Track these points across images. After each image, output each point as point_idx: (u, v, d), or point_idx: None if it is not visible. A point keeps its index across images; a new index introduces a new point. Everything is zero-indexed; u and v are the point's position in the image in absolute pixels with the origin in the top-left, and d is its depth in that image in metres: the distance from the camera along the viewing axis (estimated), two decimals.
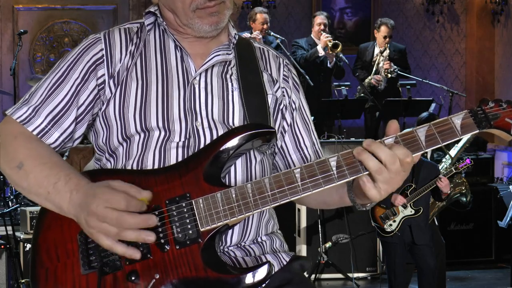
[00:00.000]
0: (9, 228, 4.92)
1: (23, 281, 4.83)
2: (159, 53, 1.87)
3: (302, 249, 6.33)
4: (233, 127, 1.81)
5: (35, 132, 1.79)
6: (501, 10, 9.66)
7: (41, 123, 1.80)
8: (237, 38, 1.93)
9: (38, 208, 5.12)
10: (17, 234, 5.06)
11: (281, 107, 1.93)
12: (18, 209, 5.54)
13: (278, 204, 1.65)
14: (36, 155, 1.74)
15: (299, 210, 6.39)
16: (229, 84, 1.87)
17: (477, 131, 1.64)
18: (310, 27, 8.43)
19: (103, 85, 1.83)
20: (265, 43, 7.62)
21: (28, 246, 5.13)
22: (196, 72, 1.85)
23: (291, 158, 1.96)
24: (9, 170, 1.76)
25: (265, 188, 1.65)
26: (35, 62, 9.12)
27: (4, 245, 4.96)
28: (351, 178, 1.63)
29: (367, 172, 1.61)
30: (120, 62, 1.83)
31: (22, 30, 7.45)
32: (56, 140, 1.81)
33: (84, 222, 1.62)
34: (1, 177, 6.14)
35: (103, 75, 1.82)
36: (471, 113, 1.64)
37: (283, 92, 1.95)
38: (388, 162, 1.57)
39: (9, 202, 6.11)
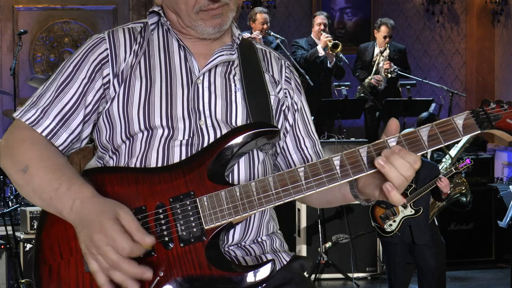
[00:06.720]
0: (9, 228, 4.92)
1: (23, 281, 4.83)
2: (163, 52, 1.87)
3: (302, 249, 6.33)
4: (236, 126, 1.81)
5: (44, 133, 1.78)
6: (501, 10, 9.67)
7: (50, 123, 1.79)
8: (240, 39, 1.94)
9: (38, 208, 5.12)
10: (17, 234, 5.06)
11: (283, 108, 1.94)
12: (18, 209, 5.54)
13: (282, 202, 1.66)
14: (40, 157, 1.73)
15: (299, 210, 6.38)
16: (232, 84, 1.87)
17: (479, 131, 1.66)
18: (310, 27, 8.44)
19: (108, 84, 1.82)
20: (265, 43, 7.63)
21: (28, 246, 5.14)
22: (199, 71, 1.85)
23: (292, 158, 1.97)
24: (15, 174, 1.75)
25: (269, 186, 1.66)
26: (35, 62, 9.11)
27: (4, 245, 4.96)
28: (355, 177, 1.65)
29: (371, 171, 1.62)
30: (124, 62, 1.83)
31: (22, 30, 7.44)
32: (65, 141, 1.81)
33: (83, 240, 1.61)
34: (1, 177, 6.13)
35: (108, 74, 1.82)
36: (473, 114, 1.66)
37: (285, 93, 1.96)
38: (405, 173, 1.60)
39: (9, 202, 6.11)
